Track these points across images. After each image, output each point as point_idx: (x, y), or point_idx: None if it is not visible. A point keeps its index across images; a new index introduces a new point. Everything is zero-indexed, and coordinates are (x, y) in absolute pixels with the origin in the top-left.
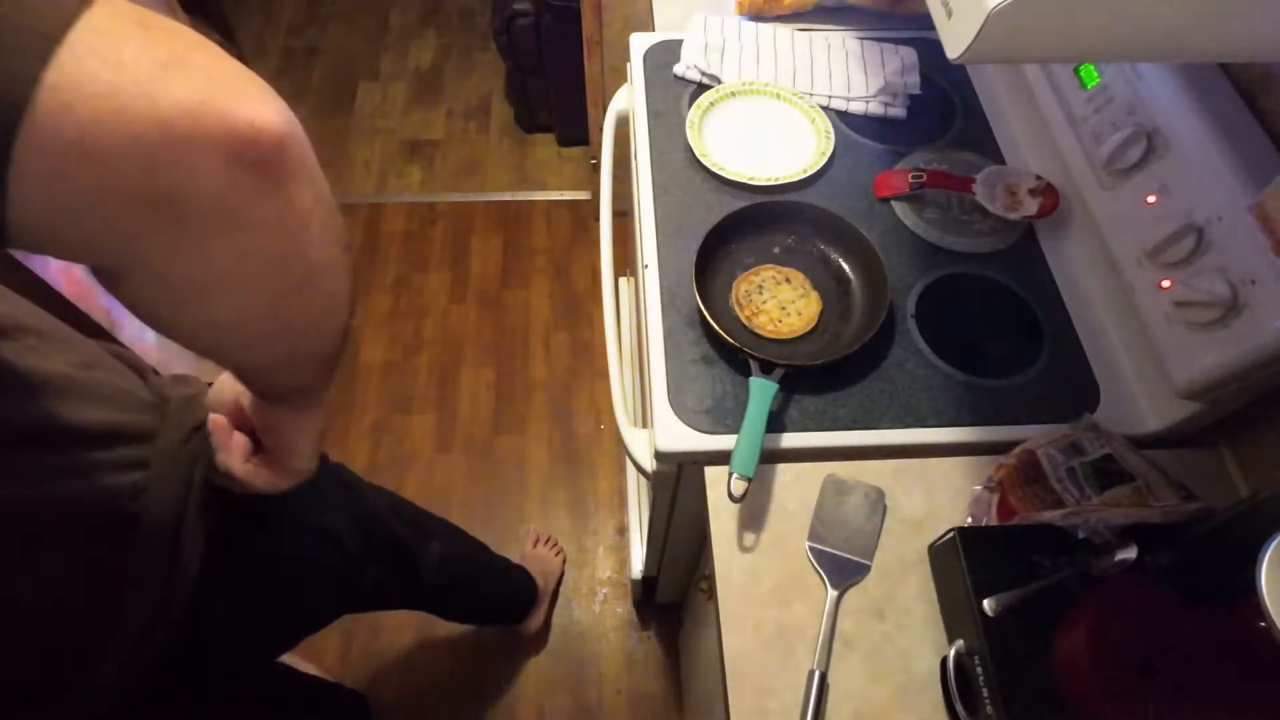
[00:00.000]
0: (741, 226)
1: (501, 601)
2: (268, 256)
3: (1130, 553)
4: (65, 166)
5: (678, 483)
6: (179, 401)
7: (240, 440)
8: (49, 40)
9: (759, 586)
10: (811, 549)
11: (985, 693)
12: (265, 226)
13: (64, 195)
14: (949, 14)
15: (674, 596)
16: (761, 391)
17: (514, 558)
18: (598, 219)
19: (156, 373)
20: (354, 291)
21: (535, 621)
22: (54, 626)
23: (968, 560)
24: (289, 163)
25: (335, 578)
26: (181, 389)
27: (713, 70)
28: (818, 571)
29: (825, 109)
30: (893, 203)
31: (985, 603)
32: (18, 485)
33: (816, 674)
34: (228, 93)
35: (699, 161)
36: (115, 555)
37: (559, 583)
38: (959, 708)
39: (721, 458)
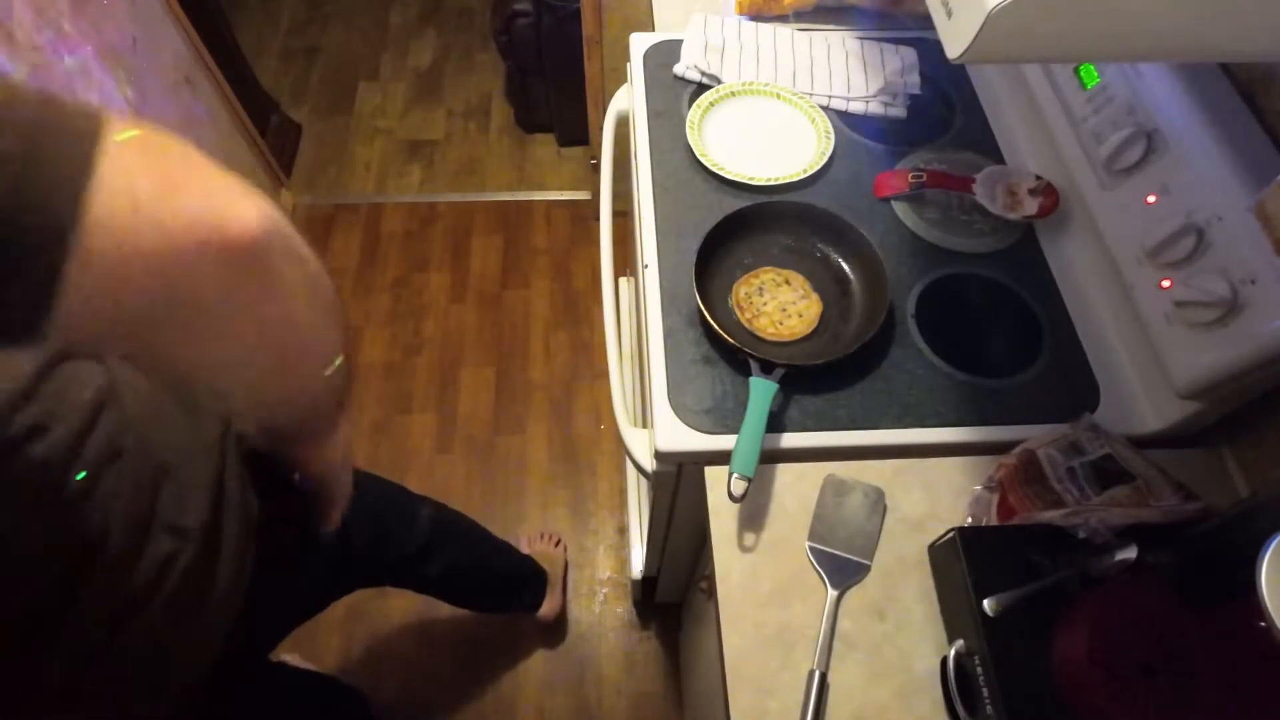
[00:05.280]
0: (741, 226)
1: (507, 577)
2: (262, 331)
3: (1130, 553)
4: (94, 293)
5: (678, 483)
6: None
7: None
8: (76, 190)
9: (759, 586)
10: (811, 549)
11: (985, 693)
12: (258, 307)
13: (91, 312)
14: (949, 14)
15: (674, 596)
16: (761, 391)
17: None
18: (598, 219)
19: None
20: (348, 342)
21: (551, 607)
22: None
23: (968, 560)
24: (273, 253)
25: (324, 542)
26: None
27: (713, 70)
28: (818, 571)
29: (825, 109)
30: (893, 203)
31: (985, 603)
32: None
33: (816, 674)
34: (218, 206)
35: (699, 161)
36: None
37: (565, 572)
38: (959, 708)
39: (721, 458)
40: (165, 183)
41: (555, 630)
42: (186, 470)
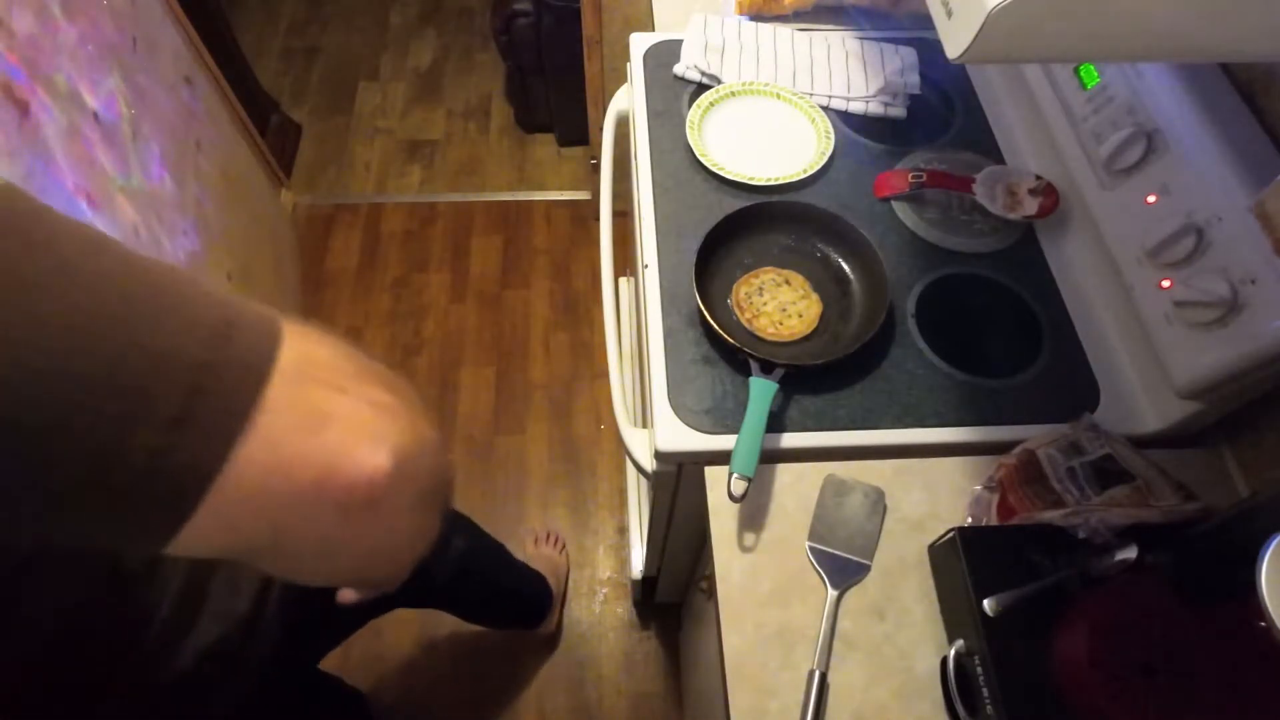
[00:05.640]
0: (741, 227)
1: (521, 602)
2: (360, 552)
3: (1130, 553)
4: (206, 528)
5: (678, 483)
6: None
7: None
8: (228, 445)
9: (759, 586)
10: (811, 549)
11: (985, 693)
12: (362, 536)
13: (195, 542)
14: (949, 14)
15: (674, 596)
16: (761, 391)
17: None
18: (598, 219)
19: None
20: (449, 502)
21: (550, 624)
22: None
23: (968, 560)
24: (392, 493)
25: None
26: None
27: (713, 70)
28: (818, 571)
29: (825, 109)
30: (893, 203)
31: (985, 603)
32: None
33: (816, 674)
34: (350, 452)
35: (699, 161)
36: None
37: (567, 580)
38: (959, 708)
39: (721, 458)
40: (306, 420)
41: (551, 643)
42: None
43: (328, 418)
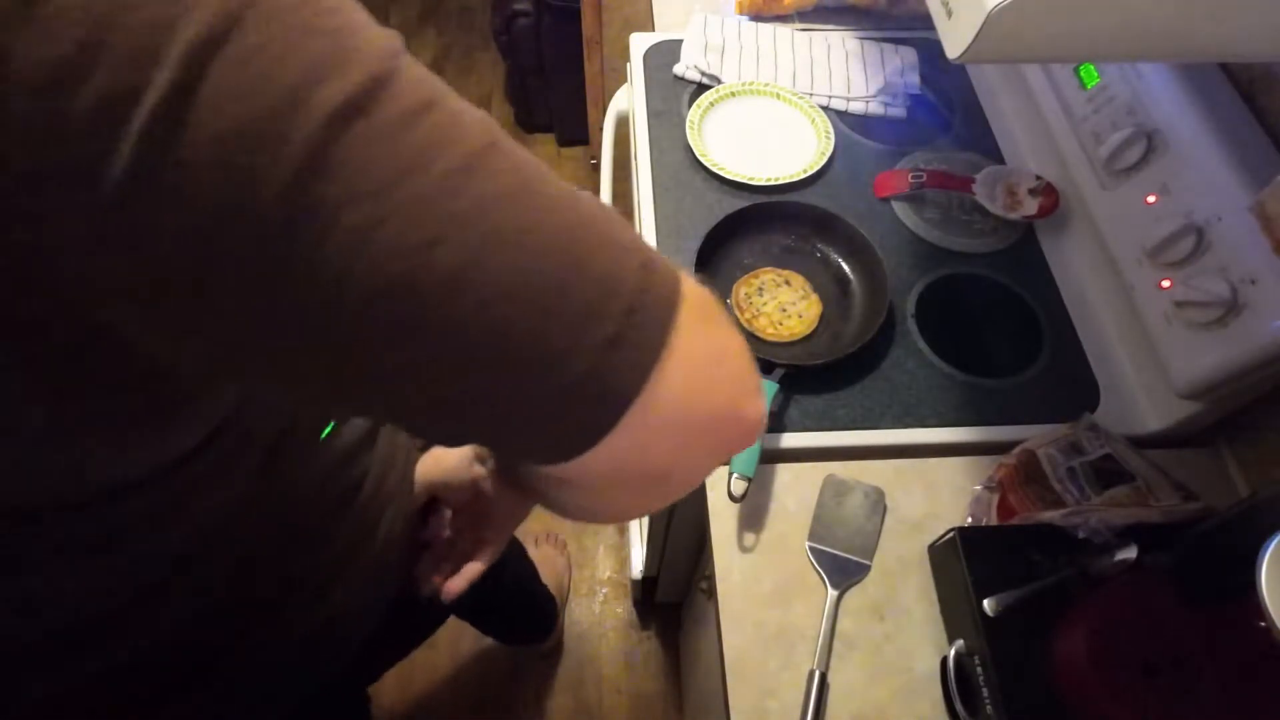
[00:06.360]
0: (741, 227)
1: (534, 622)
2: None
3: (1130, 553)
4: (624, 441)
5: None
6: None
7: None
8: (648, 366)
9: (759, 586)
10: (811, 549)
11: (985, 693)
12: (704, 474)
13: (611, 455)
14: (949, 14)
15: (674, 596)
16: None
17: None
18: None
19: None
20: None
21: (554, 639)
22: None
23: (968, 560)
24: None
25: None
26: None
27: (713, 70)
28: (818, 571)
29: (825, 109)
30: (893, 203)
31: (985, 603)
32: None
33: (816, 674)
34: (743, 394)
35: (699, 161)
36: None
37: (569, 587)
38: (959, 708)
39: None
40: (711, 351)
41: (552, 655)
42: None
43: (725, 352)
